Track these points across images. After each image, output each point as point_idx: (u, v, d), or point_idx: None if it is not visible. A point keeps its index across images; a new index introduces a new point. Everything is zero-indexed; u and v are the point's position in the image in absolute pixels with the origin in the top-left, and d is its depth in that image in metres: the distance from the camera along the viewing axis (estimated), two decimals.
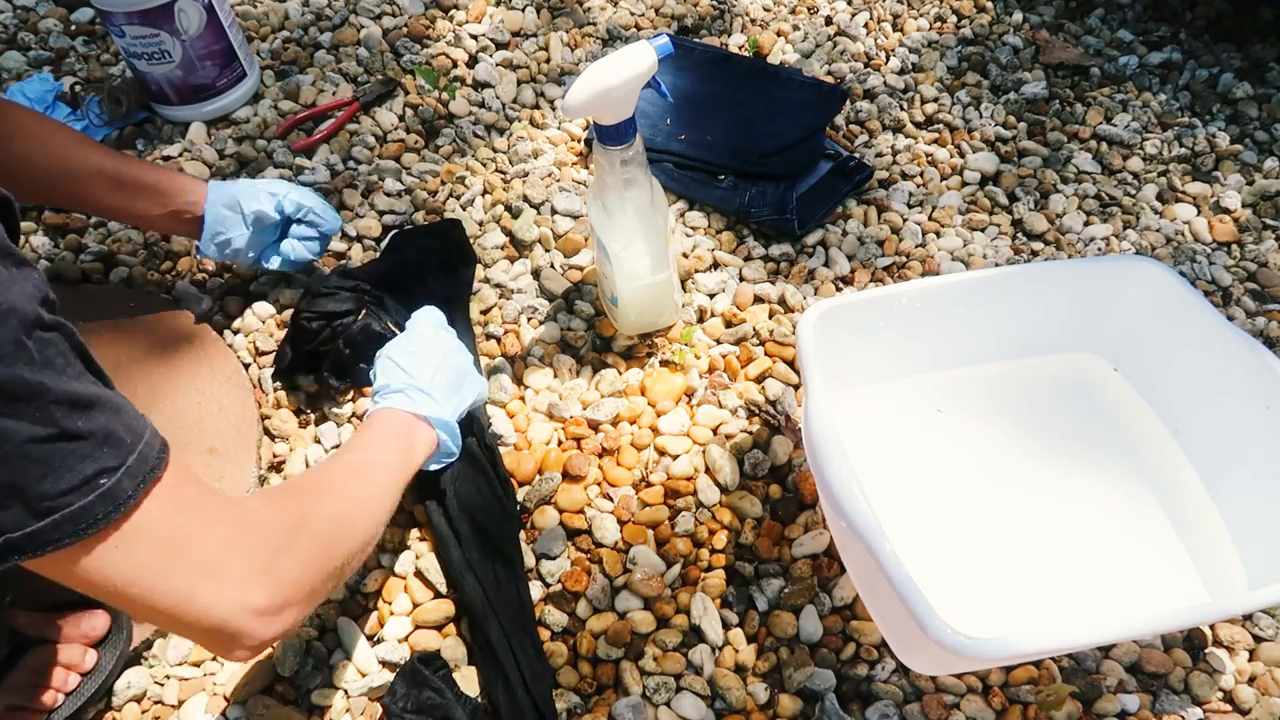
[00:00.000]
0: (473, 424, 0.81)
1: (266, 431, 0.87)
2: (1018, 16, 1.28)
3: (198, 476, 0.51)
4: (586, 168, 1.10)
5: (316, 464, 0.65)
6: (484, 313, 0.95)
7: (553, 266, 0.99)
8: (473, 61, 1.21)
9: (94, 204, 0.85)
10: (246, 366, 0.92)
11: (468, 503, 0.77)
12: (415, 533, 0.80)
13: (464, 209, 1.04)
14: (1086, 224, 1.03)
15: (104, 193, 0.83)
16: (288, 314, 0.95)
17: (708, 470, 0.83)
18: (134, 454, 0.45)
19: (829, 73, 1.20)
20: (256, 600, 0.50)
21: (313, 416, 0.88)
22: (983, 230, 1.03)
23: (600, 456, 0.84)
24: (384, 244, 0.96)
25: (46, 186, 0.82)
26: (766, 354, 0.91)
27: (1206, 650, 0.74)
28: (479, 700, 0.70)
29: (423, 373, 0.72)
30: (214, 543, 0.48)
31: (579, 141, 1.12)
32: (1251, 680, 0.73)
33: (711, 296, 0.97)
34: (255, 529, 0.51)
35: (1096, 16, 1.29)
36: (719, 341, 0.93)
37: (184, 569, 0.47)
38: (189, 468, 0.50)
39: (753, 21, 1.28)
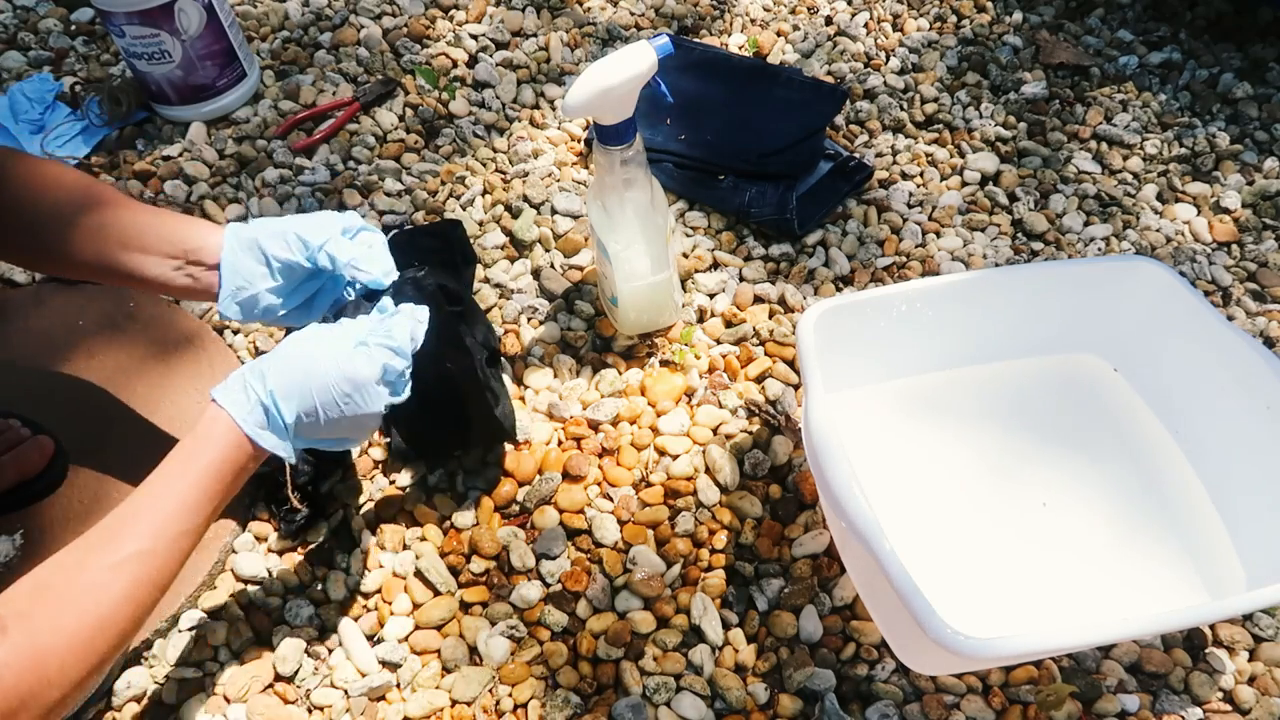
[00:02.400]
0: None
1: None
2: (1018, 16, 1.28)
3: None
4: (586, 168, 1.10)
5: (66, 568, 0.54)
6: (485, 312, 0.95)
7: (553, 266, 0.99)
8: (473, 61, 1.21)
9: (95, 272, 0.70)
10: None
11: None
12: (415, 532, 0.80)
13: (464, 209, 1.04)
14: (1086, 224, 1.03)
15: (106, 253, 0.68)
16: None
17: (708, 470, 0.83)
18: None
19: (829, 73, 1.20)
20: None
21: None
22: (983, 230, 1.03)
23: (600, 456, 0.84)
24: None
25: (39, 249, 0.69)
26: (766, 354, 0.91)
27: (1206, 650, 0.74)
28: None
29: (277, 376, 0.59)
30: None
31: (579, 141, 1.12)
32: (1251, 680, 0.73)
33: (711, 296, 0.97)
34: None
35: (1096, 16, 1.29)
36: (719, 341, 0.93)
37: None
38: None
39: (753, 21, 1.28)
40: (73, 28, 1.27)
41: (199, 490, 0.57)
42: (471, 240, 0.98)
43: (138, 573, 0.54)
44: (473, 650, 0.74)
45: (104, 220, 0.67)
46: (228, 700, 0.71)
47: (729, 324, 0.94)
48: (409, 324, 0.65)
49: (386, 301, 0.67)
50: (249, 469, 0.61)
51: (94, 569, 0.53)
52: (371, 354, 0.62)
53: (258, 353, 0.92)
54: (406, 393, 0.66)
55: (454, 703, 0.72)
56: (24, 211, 0.66)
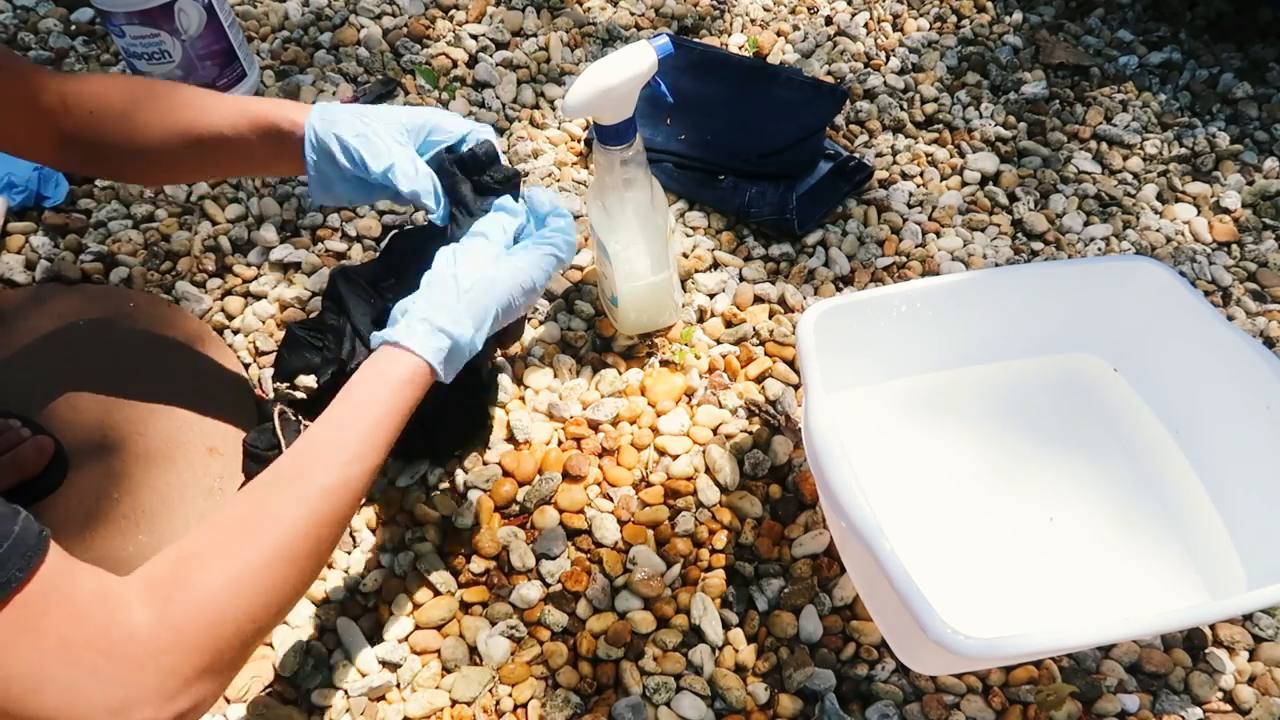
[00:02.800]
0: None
1: None
2: (1018, 16, 1.28)
3: (71, 580, 0.45)
4: (586, 168, 1.10)
5: (248, 500, 0.54)
6: None
7: None
8: (473, 61, 1.21)
9: (220, 166, 0.75)
10: (246, 366, 0.92)
11: None
12: (415, 532, 0.80)
13: None
14: (1086, 224, 1.03)
15: (227, 158, 0.72)
16: (288, 314, 0.95)
17: (708, 470, 0.83)
18: None
19: (829, 73, 1.20)
20: (148, 709, 0.45)
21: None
22: (983, 230, 1.03)
23: (600, 456, 0.84)
24: (384, 244, 0.96)
25: (166, 166, 0.73)
26: (766, 354, 0.91)
27: (1206, 650, 0.74)
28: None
29: (467, 316, 0.61)
30: (76, 677, 0.43)
31: (579, 141, 1.12)
32: (1251, 680, 0.73)
33: (711, 296, 0.97)
34: (136, 658, 0.45)
35: (1096, 16, 1.29)
36: (719, 341, 0.93)
37: (38, 706, 0.43)
38: (64, 574, 0.45)
39: (753, 21, 1.28)
40: (73, 28, 1.27)
41: (378, 430, 0.58)
42: None
43: (321, 507, 0.54)
44: (473, 650, 0.74)
45: (173, 97, 0.70)
46: (228, 700, 0.71)
47: (729, 324, 0.94)
48: (566, 223, 0.68)
49: (495, 200, 0.68)
50: (416, 404, 0.61)
51: (279, 502, 0.53)
52: (530, 251, 0.66)
53: (258, 353, 0.92)
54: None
55: (454, 703, 0.72)
56: (93, 123, 0.69)
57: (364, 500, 0.61)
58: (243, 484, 0.82)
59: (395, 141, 0.68)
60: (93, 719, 0.43)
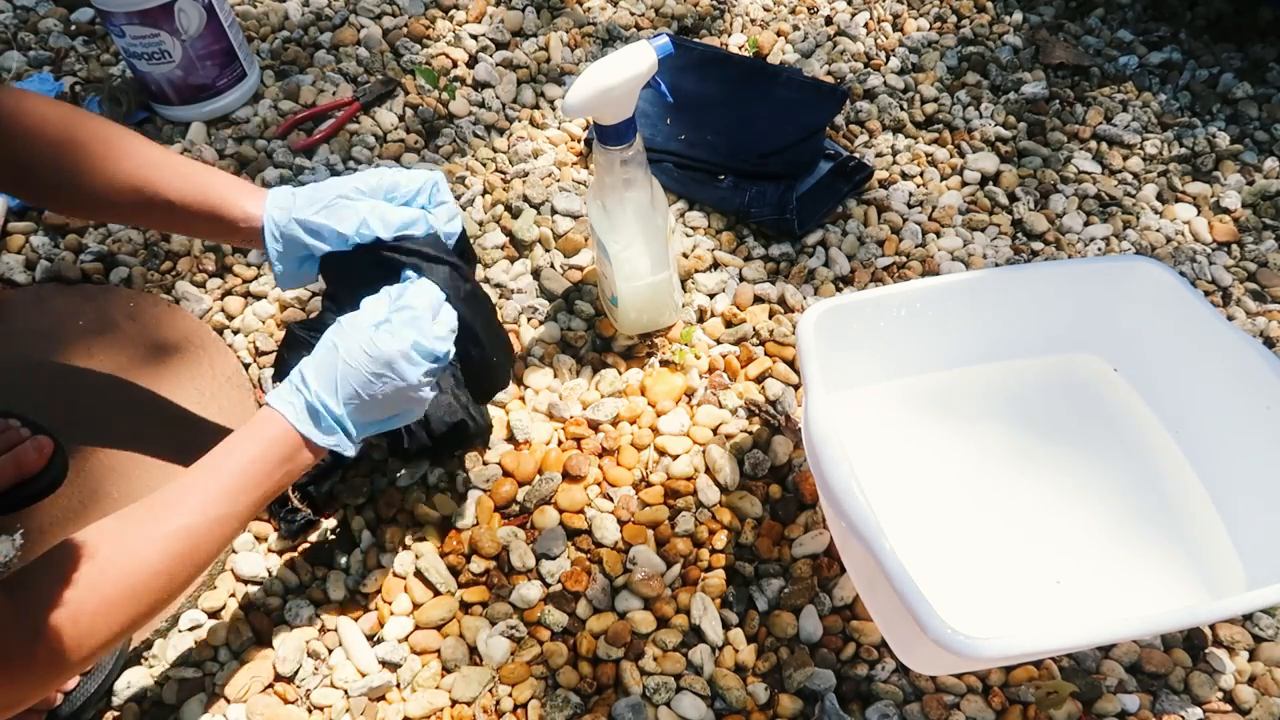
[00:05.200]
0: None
1: None
2: (1018, 16, 1.28)
3: None
4: (586, 168, 1.10)
5: (113, 534, 0.56)
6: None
7: (553, 266, 0.99)
8: (473, 61, 1.21)
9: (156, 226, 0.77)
10: (246, 366, 0.92)
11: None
12: (415, 532, 0.80)
13: (464, 209, 1.04)
14: (1086, 224, 1.03)
15: (168, 222, 0.73)
16: (288, 314, 0.95)
17: (708, 470, 0.83)
18: None
19: (829, 73, 1.20)
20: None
21: None
22: (983, 230, 1.03)
23: (600, 456, 0.84)
24: (299, 287, 0.96)
25: (102, 211, 0.73)
26: (766, 354, 0.91)
27: (1206, 650, 0.74)
28: None
29: (329, 392, 0.62)
30: None
31: (579, 141, 1.12)
32: (1251, 680, 0.73)
33: (711, 296, 0.97)
34: (18, 677, 0.51)
35: (1096, 16, 1.29)
36: (719, 341, 0.93)
37: None
38: None
39: (753, 21, 1.28)
40: (73, 28, 1.27)
41: (244, 477, 0.60)
42: (471, 240, 0.98)
43: (176, 547, 0.56)
44: (473, 650, 0.74)
45: (160, 191, 0.68)
46: (228, 700, 0.71)
47: (729, 324, 0.94)
48: (428, 292, 0.66)
49: (408, 273, 0.67)
50: (298, 465, 0.63)
51: (136, 538, 0.56)
52: (394, 329, 0.63)
53: (258, 353, 0.92)
54: (449, 352, 0.66)
55: (454, 703, 0.72)
56: (17, 145, 0.67)
57: (229, 547, 0.64)
58: None
59: (356, 200, 0.68)
60: None
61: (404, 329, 0.63)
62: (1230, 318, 0.95)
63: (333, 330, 0.64)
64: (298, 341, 0.89)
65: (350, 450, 0.64)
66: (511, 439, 0.85)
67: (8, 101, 0.68)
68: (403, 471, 0.83)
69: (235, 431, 0.62)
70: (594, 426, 0.86)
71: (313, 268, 0.71)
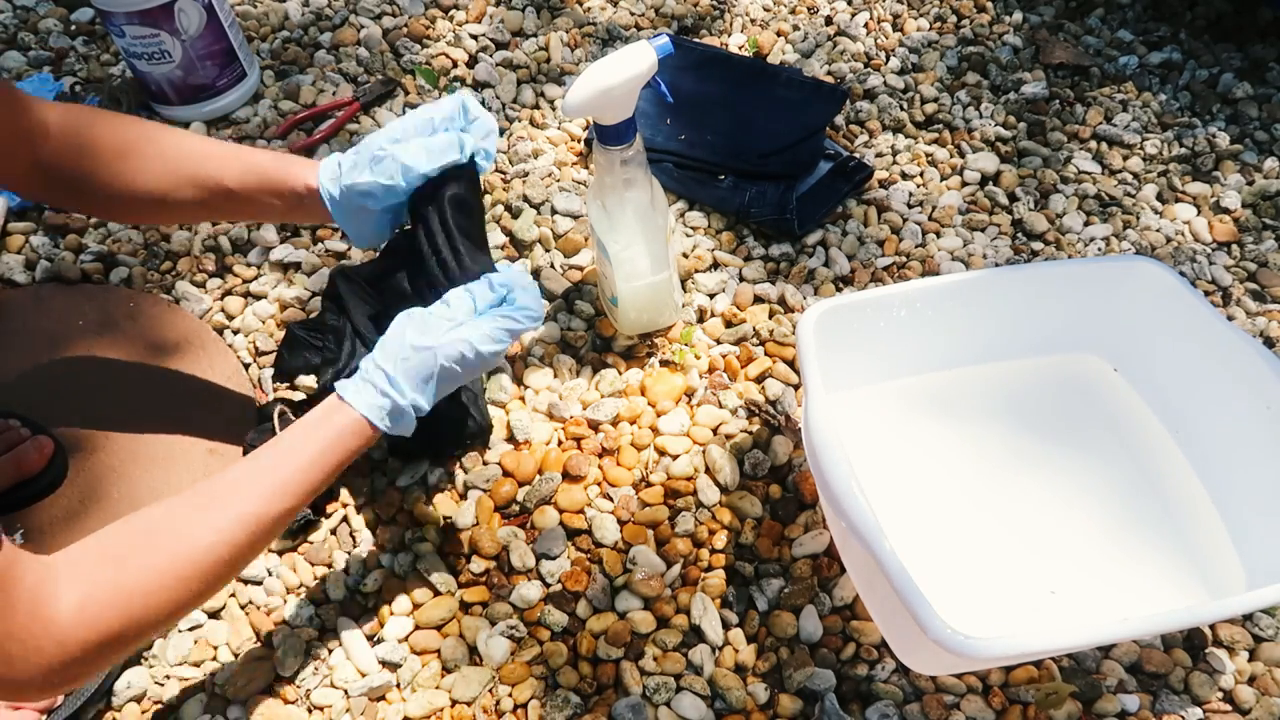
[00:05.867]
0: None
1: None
2: (1018, 16, 1.28)
3: (10, 571, 0.48)
4: (586, 168, 1.10)
5: (177, 511, 0.57)
6: None
7: (553, 266, 0.99)
8: (473, 61, 1.21)
9: (219, 214, 0.77)
10: (246, 366, 0.92)
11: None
12: (415, 532, 0.80)
13: None
14: (1086, 224, 1.03)
15: (227, 209, 0.74)
16: (288, 314, 0.95)
17: (708, 470, 0.83)
18: None
19: (829, 73, 1.20)
20: (29, 691, 0.51)
21: None
22: (983, 230, 1.03)
23: (600, 456, 0.84)
24: (383, 244, 0.96)
25: (158, 210, 0.74)
26: (766, 354, 0.91)
27: (1206, 650, 0.74)
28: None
29: (405, 377, 0.63)
30: None
31: (579, 141, 1.12)
32: (1251, 680, 0.73)
33: (711, 296, 0.97)
34: (44, 646, 0.50)
35: (1096, 16, 1.29)
36: (719, 341, 0.93)
37: None
38: (11, 569, 0.48)
39: (753, 21, 1.28)
40: (73, 28, 1.27)
41: (312, 471, 0.60)
42: None
43: (234, 533, 0.56)
44: (473, 650, 0.74)
45: (215, 183, 0.70)
46: (228, 700, 0.71)
47: (729, 324, 0.94)
48: (532, 299, 0.67)
49: (493, 276, 0.68)
50: (359, 451, 0.63)
51: (195, 522, 0.56)
52: (493, 334, 0.65)
53: (258, 353, 0.92)
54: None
55: (454, 703, 0.72)
56: (78, 155, 0.69)
57: (285, 532, 0.64)
58: None
59: (393, 148, 0.68)
60: None
61: (493, 320, 0.65)
62: (1230, 318, 0.95)
63: (406, 325, 0.64)
64: (298, 341, 0.89)
65: (411, 428, 0.64)
66: (511, 439, 0.85)
67: (58, 116, 0.69)
68: (403, 471, 0.83)
69: (302, 422, 0.61)
70: (594, 426, 0.86)
71: (384, 223, 0.73)
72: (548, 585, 0.77)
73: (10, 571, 0.48)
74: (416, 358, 0.63)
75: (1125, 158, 1.11)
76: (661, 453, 0.84)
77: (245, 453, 0.79)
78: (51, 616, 0.50)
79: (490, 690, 0.72)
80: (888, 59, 1.22)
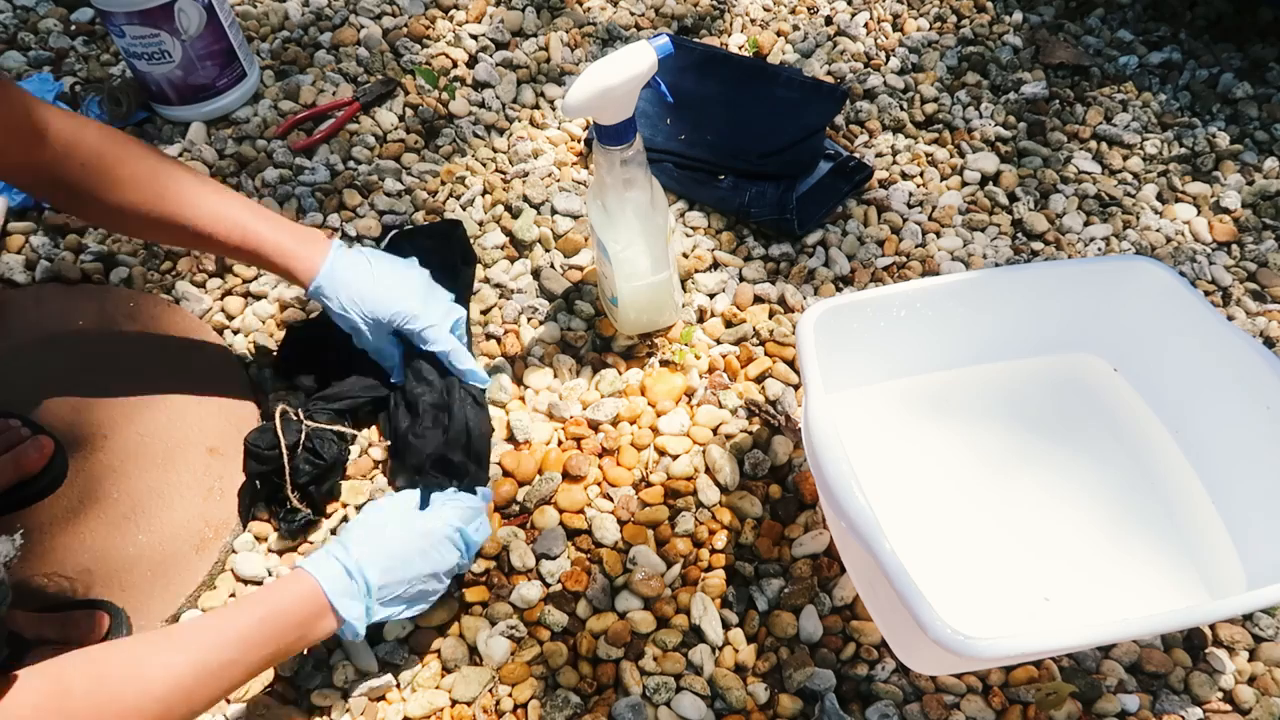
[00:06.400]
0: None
1: None
2: (1018, 16, 1.28)
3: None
4: (586, 168, 1.10)
5: (130, 650, 0.58)
6: (484, 313, 0.95)
7: (553, 266, 0.99)
8: (473, 61, 1.21)
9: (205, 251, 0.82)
10: (246, 366, 0.92)
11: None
12: None
13: (464, 209, 1.04)
14: (1086, 224, 1.03)
15: (212, 251, 0.80)
16: (289, 313, 0.95)
17: (708, 470, 0.83)
18: None
19: (829, 73, 1.20)
20: None
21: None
22: (983, 230, 1.03)
23: (600, 456, 0.84)
24: (384, 244, 0.96)
25: (146, 232, 0.79)
26: (766, 354, 0.91)
27: (1206, 650, 0.74)
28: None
29: (361, 547, 0.66)
30: None
31: (579, 141, 1.12)
32: (1251, 680, 0.73)
33: (711, 296, 0.97)
34: None
35: (1096, 16, 1.29)
36: (719, 341, 0.93)
37: None
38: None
39: (753, 21, 1.28)
40: (73, 28, 1.27)
41: (263, 628, 0.60)
42: (471, 240, 0.99)
43: (184, 681, 0.56)
44: (473, 650, 0.74)
45: (215, 229, 0.76)
46: (228, 700, 0.71)
47: (729, 324, 0.94)
48: (479, 506, 0.74)
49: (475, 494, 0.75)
50: (314, 633, 0.64)
51: (148, 663, 0.56)
52: (452, 518, 0.71)
53: (258, 353, 0.92)
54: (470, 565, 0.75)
55: (454, 703, 0.72)
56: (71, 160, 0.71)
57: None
58: (244, 484, 0.82)
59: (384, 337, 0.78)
60: None
61: (451, 548, 0.70)
62: (1230, 318, 0.95)
63: (390, 519, 0.69)
64: (298, 341, 0.89)
65: (359, 633, 0.66)
66: (511, 439, 0.85)
67: (67, 127, 0.70)
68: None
69: (262, 586, 0.64)
70: (594, 426, 0.86)
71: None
72: (548, 585, 0.77)
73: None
74: (379, 542, 0.67)
75: (1125, 158, 1.11)
76: (661, 453, 0.84)
77: (246, 453, 0.79)
78: None
79: (490, 690, 0.72)
80: (888, 59, 1.22)
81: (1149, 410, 0.83)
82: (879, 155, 1.11)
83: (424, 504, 0.71)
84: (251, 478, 0.80)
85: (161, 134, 1.13)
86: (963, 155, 1.11)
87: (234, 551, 0.79)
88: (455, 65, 1.20)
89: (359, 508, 0.81)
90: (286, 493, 0.77)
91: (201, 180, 0.77)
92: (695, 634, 0.74)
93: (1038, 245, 1.01)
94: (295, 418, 0.79)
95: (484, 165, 1.09)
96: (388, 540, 0.67)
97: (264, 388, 0.90)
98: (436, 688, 0.72)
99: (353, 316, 0.78)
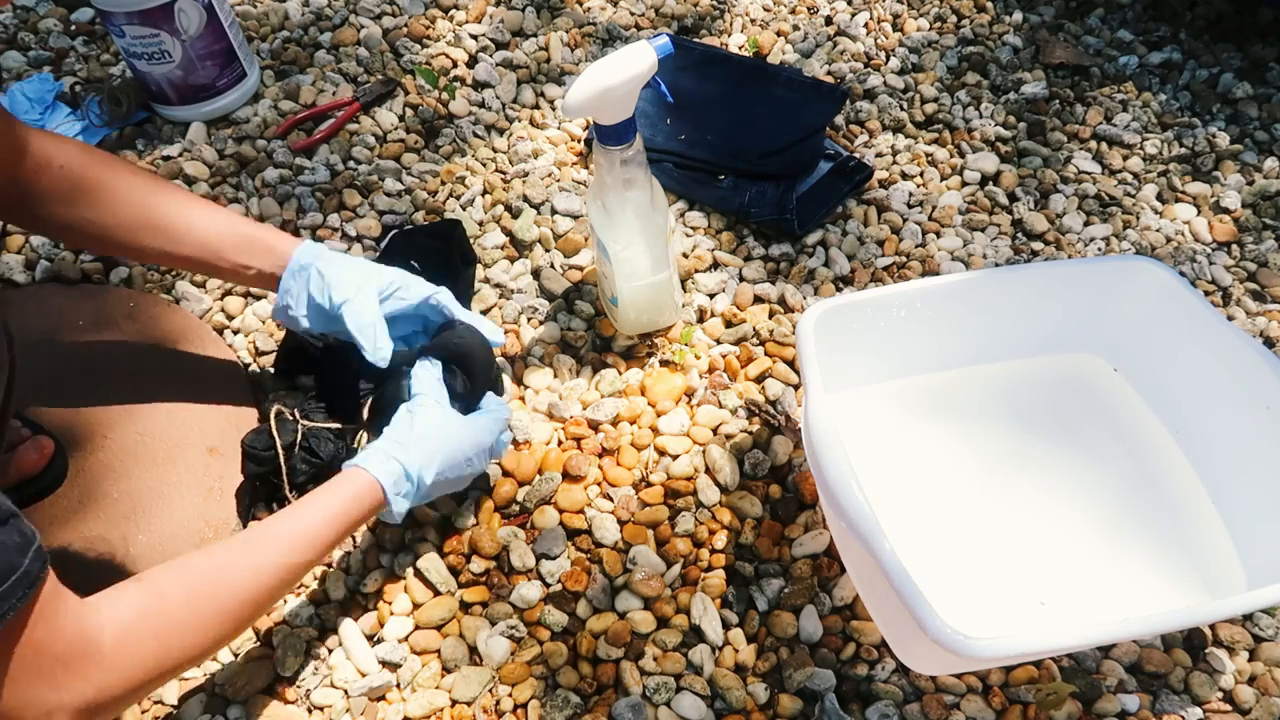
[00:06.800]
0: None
1: None
2: (1018, 16, 1.28)
3: (57, 601, 0.51)
4: (586, 168, 1.10)
5: (216, 557, 0.61)
6: (484, 313, 0.95)
7: (553, 266, 0.99)
8: (473, 61, 1.21)
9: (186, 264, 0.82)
10: (246, 366, 0.92)
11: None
12: (415, 532, 0.80)
13: (464, 209, 1.04)
14: (1086, 224, 1.03)
15: (199, 265, 0.79)
16: None
17: (708, 470, 0.83)
18: None
19: (829, 73, 1.20)
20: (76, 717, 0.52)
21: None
22: (983, 230, 1.03)
23: (600, 456, 0.84)
24: (384, 244, 0.96)
25: (138, 248, 0.78)
26: (766, 354, 0.91)
27: (1206, 650, 0.74)
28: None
29: (423, 451, 0.69)
30: (34, 682, 0.50)
31: (579, 141, 1.12)
32: (1251, 680, 0.73)
33: (711, 296, 0.97)
34: (88, 673, 0.52)
35: (1096, 16, 1.29)
36: (719, 341, 0.93)
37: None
38: (52, 596, 0.50)
39: (753, 21, 1.28)
40: (73, 28, 1.27)
41: (332, 527, 0.65)
42: (471, 240, 0.99)
43: (267, 580, 0.62)
44: (473, 650, 0.74)
45: (200, 240, 0.76)
46: (228, 700, 0.71)
47: (729, 324, 0.94)
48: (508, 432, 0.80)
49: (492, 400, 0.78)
50: (365, 522, 0.69)
51: (232, 567, 0.61)
52: (493, 428, 0.75)
53: (258, 353, 0.92)
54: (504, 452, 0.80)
55: (454, 703, 0.72)
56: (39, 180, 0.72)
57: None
58: (242, 485, 0.82)
59: (359, 287, 0.75)
60: (27, 715, 0.50)
61: (498, 428, 0.76)
62: (1230, 318, 0.95)
63: (440, 420, 0.72)
64: (298, 341, 0.89)
65: (399, 521, 0.70)
66: (511, 439, 0.85)
67: (49, 148, 0.71)
68: None
69: (323, 487, 0.67)
70: (594, 426, 0.86)
71: (307, 316, 0.78)
72: (548, 585, 0.77)
73: (54, 602, 0.50)
74: (429, 436, 0.70)
75: (1125, 158, 1.11)
76: (661, 453, 0.84)
77: (244, 455, 0.79)
78: (95, 643, 0.52)
79: (490, 690, 0.72)
80: (888, 59, 1.22)
81: (1149, 410, 0.83)
82: (879, 155, 1.11)
83: (466, 412, 0.74)
84: (250, 479, 0.80)
85: (161, 134, 1.13)
86: (963, 155, 1.11)
87: None
88: (455, 65, 1.20)
89: None
90: (285, 492, 0.77)
91: (187, 192, 0.78)
92: (695, 634, 0.74)
93: (1038, 245, 1.01)
94: (291, 417, 0.79)
95: (484, 165, 1.09)
96: (442, 449, 0.70)
97: (264, 388, 0.90)
98: (436, 688, 0.72)
99: (343, 283, 0.76)
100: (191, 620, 0.57)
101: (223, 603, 0.59)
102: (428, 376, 0.73)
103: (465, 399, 0.75)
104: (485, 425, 0.75)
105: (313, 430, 0.79)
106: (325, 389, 0.86)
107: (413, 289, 0.77)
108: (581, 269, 0.99)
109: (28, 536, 0.49)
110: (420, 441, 0.70)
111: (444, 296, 0.78)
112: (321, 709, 0.71)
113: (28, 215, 0.74)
